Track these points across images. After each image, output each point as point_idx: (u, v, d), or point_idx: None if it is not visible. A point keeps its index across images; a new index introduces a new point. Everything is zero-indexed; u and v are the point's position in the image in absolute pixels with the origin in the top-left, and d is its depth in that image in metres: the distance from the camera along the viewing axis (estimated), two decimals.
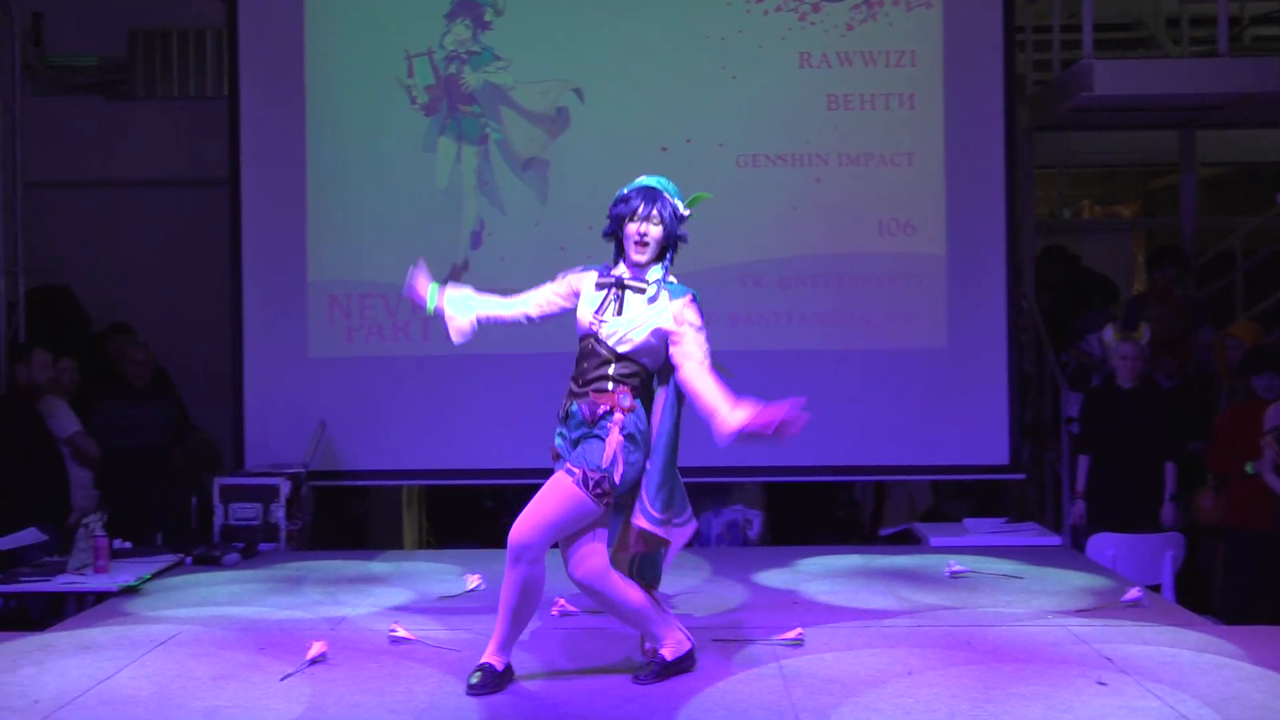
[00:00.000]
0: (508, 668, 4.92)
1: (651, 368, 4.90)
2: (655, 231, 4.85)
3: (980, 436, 8.54)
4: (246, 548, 7.61)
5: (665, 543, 4.97)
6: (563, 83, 8.74)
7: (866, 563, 7.23)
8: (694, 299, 4.87)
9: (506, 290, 5.21)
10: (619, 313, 4.85)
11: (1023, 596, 6.30)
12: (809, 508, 9.14)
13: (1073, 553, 7.52)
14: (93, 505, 7.88)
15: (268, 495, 7.95)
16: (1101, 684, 4.79)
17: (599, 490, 4.72)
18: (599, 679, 4.98)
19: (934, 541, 7.84)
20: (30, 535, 7.07)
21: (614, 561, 4.92)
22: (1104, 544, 7.35)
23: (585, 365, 4.87)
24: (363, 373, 8.69)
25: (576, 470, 4.73)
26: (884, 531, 8.99)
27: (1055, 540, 7.89)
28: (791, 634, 5.48)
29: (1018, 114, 9.01)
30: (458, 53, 8.75)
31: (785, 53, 8.65)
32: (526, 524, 4.72)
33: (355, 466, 8.67)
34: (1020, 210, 9.12)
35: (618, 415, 4.79)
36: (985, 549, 7.52)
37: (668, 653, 4.97)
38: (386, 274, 8.65)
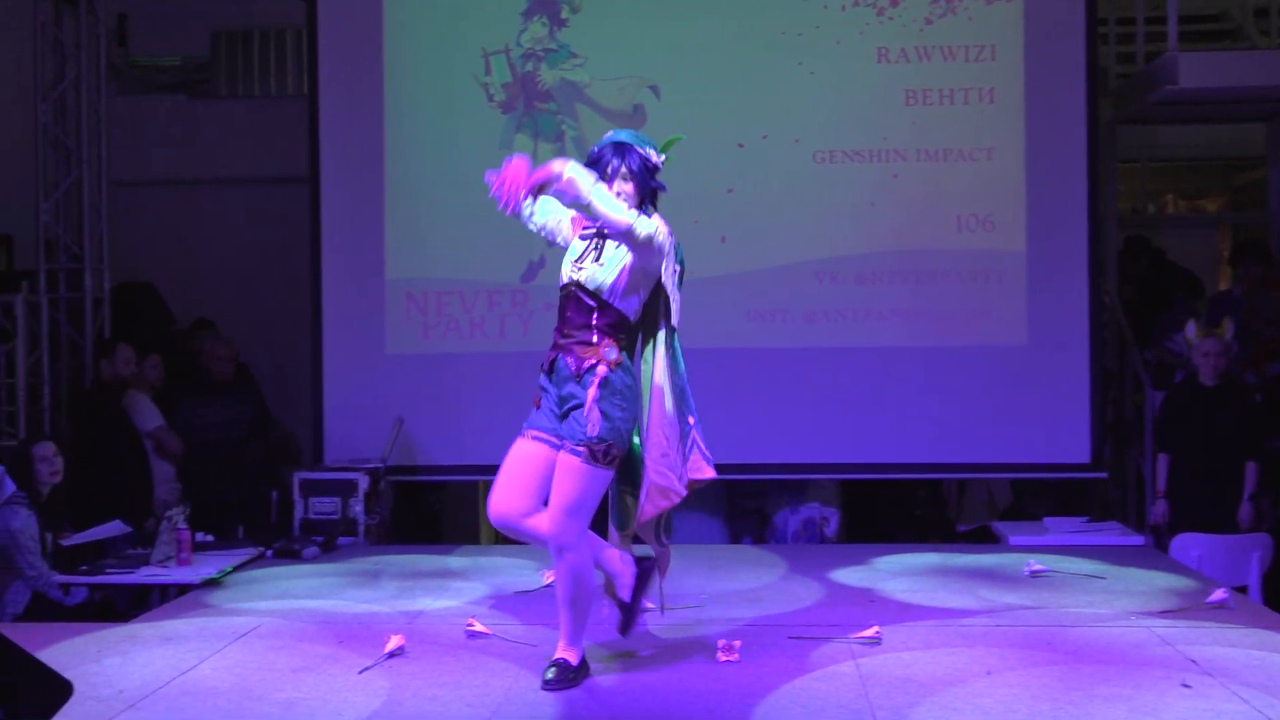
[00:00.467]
0: (583, 662, 4.93)
1: (634, 316, 4.92)
2: (627, 188, 4.89)
3: (1061, 434, 8.42)
4: (325, 541, 7.68)
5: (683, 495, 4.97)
6: (639, 80, 8.72)
7: (944, 561, 7.16)
8: (655, 214, 4.90)
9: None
10: (598, 259, 4.88)
11: (1104, 597, 6.21)
12: (886, 506, 9.07)
13: (1156, 553, 7.40)
14: (175, 499, 8.00)
15: (346, 490, 8.01)
16: (1186, 686, 4.71)
17: (608, 457, 4.76)
18: (675, 674, 4.97)
19: (1013, 540, 7.75)
20: (114, 528, 7.19)
21: (641, 531, 5.01)
22: (1189, 544, 7.23)
23: (569, 315, 4.90)
24: (439, 369, 8.73)
25: (581, 449, 4.73)
26: (961, 528, 8.90)
27: (1138, 540, 7.76)
28: (868, 632, 5.44)
29: (1100, 107, 8.87)
30: (534, 50, 8.77)
31: (862, 48, 8.58)
32: (559, 516, 4.74)
33: (432, 461, 8.73)
34: (1103, 205, 8.98)
35: (600, 369, 4.79)
36: (1066, 548, 7.42)
37: (625, 592, 5.04)
38: (463, 271, 8.71)
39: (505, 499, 4.85)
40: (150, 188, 10.45)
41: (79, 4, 9.27)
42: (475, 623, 5.59)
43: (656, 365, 4.91)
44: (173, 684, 4.88)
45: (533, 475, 4.84)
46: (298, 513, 8.01)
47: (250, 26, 10.50)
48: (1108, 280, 9.26)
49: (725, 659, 5.12)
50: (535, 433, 4.89)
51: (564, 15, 8.74)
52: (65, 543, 6.98)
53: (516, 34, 8.75)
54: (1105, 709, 4.48)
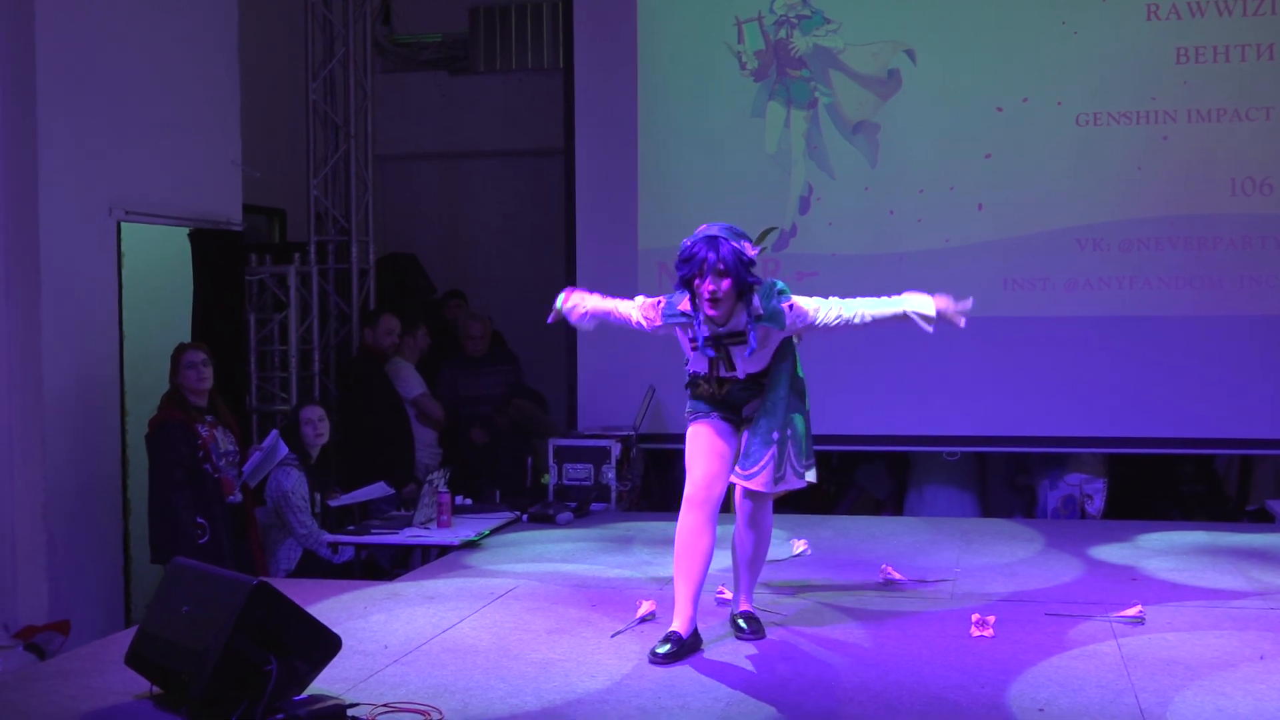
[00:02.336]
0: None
1: None
2: (724, 283, 4.75)
3: None
4: (579, 507, 7.82)
5: None
6: (894, 44, 8.57)
7: (1214, 540, 6.86)
8: (786, 299, 4.86)
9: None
10: (733, 367, 4.93)
11: None
12: (1152, 481, 8.72)
13: None
14: (437, 463, 8.25)
15: (599, 456, 8.15)
16: None
17: None
18: (927, 648, 4.89)
19: None
20: (379, 489, 7.46)
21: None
22: None
23: (736, 395, 5.03)
24: None
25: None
26: (1250, 507, 8.48)
27: None
28: (1131, 611, 5.25)
29: None
30: (787, 17, 8.69)
31: (1130, 4, 8.25)
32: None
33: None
34: None
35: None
36: None
37: (752, 607, 5.20)
38: None
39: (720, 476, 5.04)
40: (412, 162, 10.78)
41: None
42: (725, 590, 5.60)
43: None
44: (434, 641, 5.04)
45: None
46: (552, 478, 8.17)
47: (508, 3, 10.71)
48: None
49: (979, 634, 5.01)
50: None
51: None
52: (333, 503, 7.28)
53: (770, 1, 8.69)
54: None
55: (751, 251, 4.82)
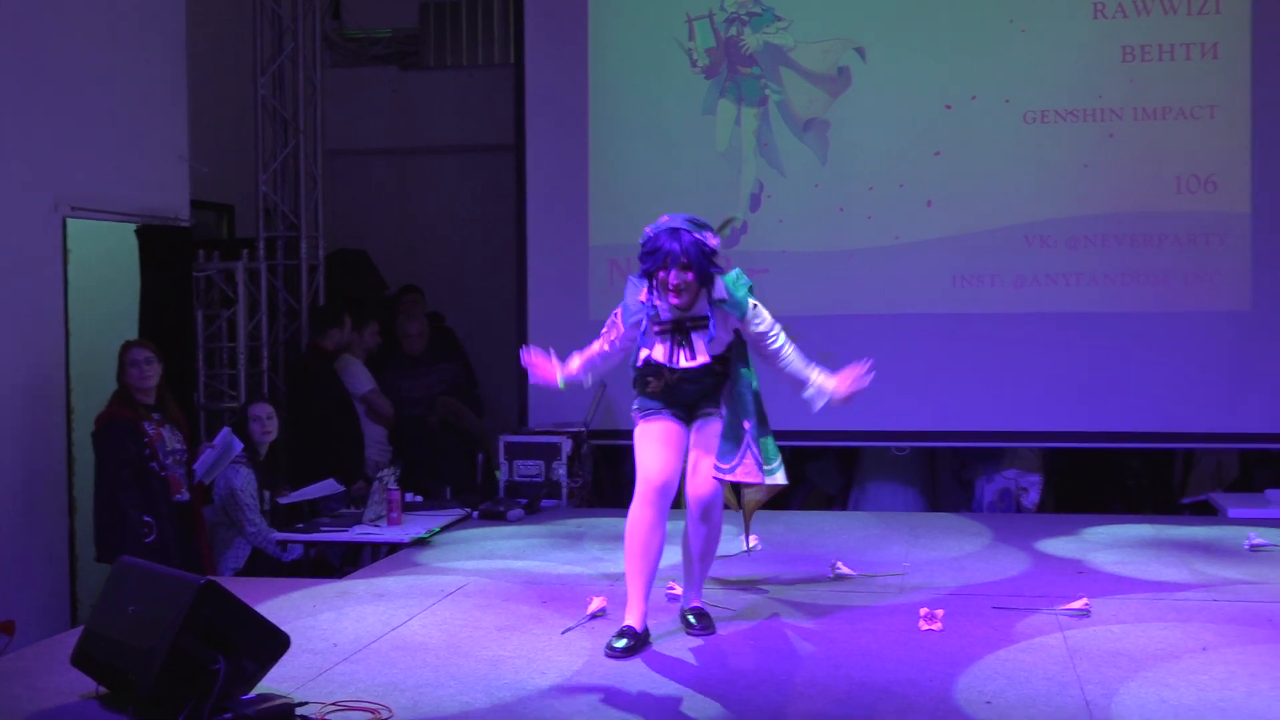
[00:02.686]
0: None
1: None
2: (688, 276, 4.82)
3: None
4: (530, 503, 7.81)
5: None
6: (844, 41, 8.61)
7: (1158, 533, 6.93)
8: (752, 301, 4.95)
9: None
10: (692, 355, 4.98)
11: None
12: (1097, 476, 8.81)
13: None
14: (387, 460, 8.22)
15: (550, 453, 8.14)
16: None
17: None
18: (876, 642, 4.92)
19: (1232, 513, 7.46)
20: (328, 486, 7.43)
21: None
22: None
23: (690, 389, 5.07)
24: None
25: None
26: (1185, 500, 8.58)
27: None
28: (1077, 604, 5.30)
29: None
30: (738, 14, 8.72)
31: (1077, 3, 8.33)
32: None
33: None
34: None
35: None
36: None
37: (702, 603, 5.21)
38: None
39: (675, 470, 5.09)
40: (363, 157, 10.72)
41: None
42: (676, 586, 5.61)
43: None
44: (384, 639, 5.02)
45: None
46: (503, 475, 8.16)
47: None
48: None
49: (927, 628, 5.05)
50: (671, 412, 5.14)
51: None
52: (282, 500, 7.24)
53: None
54: None
55: (713, 242, 4.89)
